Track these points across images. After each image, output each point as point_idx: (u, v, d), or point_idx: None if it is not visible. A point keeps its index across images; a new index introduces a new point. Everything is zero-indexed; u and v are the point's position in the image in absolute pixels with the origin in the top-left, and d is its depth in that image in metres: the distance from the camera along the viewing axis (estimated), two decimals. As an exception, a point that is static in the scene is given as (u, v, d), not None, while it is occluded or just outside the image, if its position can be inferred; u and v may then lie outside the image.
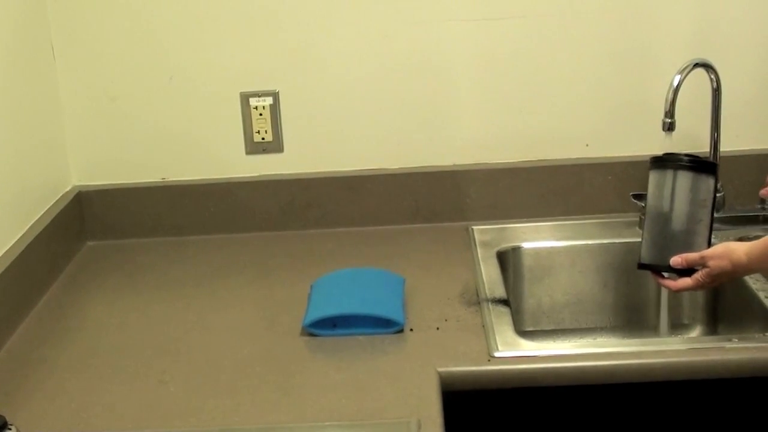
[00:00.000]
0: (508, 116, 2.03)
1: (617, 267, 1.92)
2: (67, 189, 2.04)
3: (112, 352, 1.58)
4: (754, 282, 1.69)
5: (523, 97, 2.02)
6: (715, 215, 1.58)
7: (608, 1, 1.96)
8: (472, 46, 1.99)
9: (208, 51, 1.99)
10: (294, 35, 1.98)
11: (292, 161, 2.05)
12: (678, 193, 1.57)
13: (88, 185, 2.06)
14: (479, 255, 1.87)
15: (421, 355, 1.50)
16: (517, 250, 1.92)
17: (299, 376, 1.46)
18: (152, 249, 2.02)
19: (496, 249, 1.90)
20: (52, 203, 1.95)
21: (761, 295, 1.66)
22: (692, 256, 1.53)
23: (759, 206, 1.95)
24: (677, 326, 1.91)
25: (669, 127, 1.78)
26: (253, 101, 2.02)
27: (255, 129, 2.03)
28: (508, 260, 1.90)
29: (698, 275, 1.52)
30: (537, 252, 1.93)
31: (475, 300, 1.68)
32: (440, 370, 1.45)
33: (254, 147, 2.05)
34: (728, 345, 1.49)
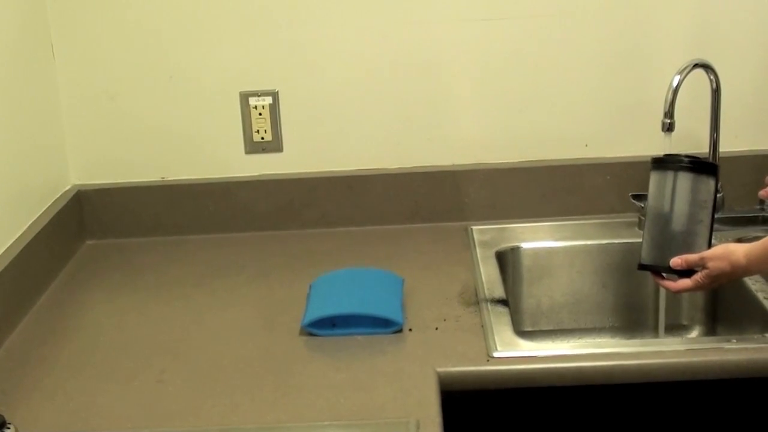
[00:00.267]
0: (508, 116, 2.03)
1: (616, 267, 1.92)
2: (67, 188, 2.04)
3: (110, 351, 1.58)
4: (753, 283, 1.69)
5: (522, 98, 2.02)
6: (715, 216, 1.58)
7: (608, 2, 1.96)
8: (471, 47, 1.99)
9: (207, 50, 1.99)
10: (293, 35, 1.98)
11: (292, 161, 2.05)
12: (678, 194, 1.57)
13: (87, 184, 2.06)
14: (478, 255, 1.87)
15: (420, 355, 1.50)
16: (516, 250, 1.93)
17: (298, 375, 1.46)
18: (151, 248, 2.02)
19: (495, 249, 1.90)
20: (51, 202, 1.95)
21: (760, 296, 1.66)
22: (692, 257, 1.53)
23: (758, 207, 1.95)
24: (676, 327, 1.91)
25: (668, 128, 1.78)
26: (252, 101, 2.02)
27: (254, 128, 2.03)
28: (507, 260, 1.90)
29: (698, 276, 1.52)
30: (536, 252, 1.93)
31: (474, 300, 1.68)
32: (439, 370, 1.45)
33: (254, 146, 2.05)
34: (727, 346, 1.49)
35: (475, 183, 2.04)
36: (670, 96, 1.77)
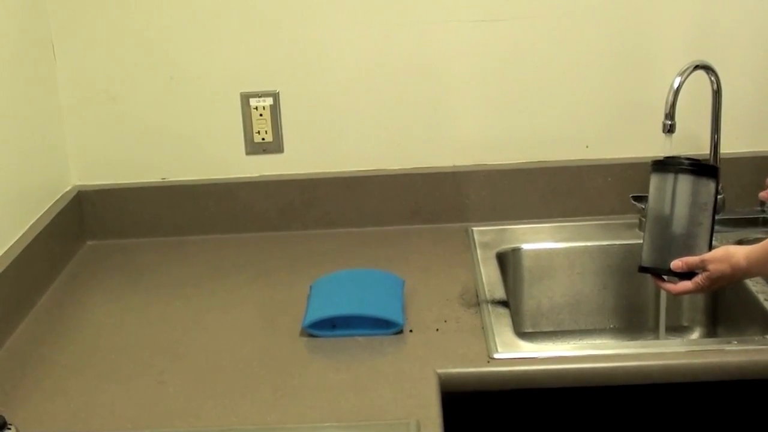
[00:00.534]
0: (508, 117, 2.03)
1: (617, 269, 1.92)
2: (67, 189, 2.04)
3: (111, 351, 1.58)
4: (753, 284, 1.69)
5: (523, 99, 2.02)
6: (715, 217, 1.58)
7: (608, 3, 1.96)
8: (472, 47, 1.99)
9: (208, 51, 1.99)
10: (294, 36, 1.98)
11: (292, 162, 2.05)
12: (679, 197, 1.57)
13: (88, 185, 2.06)
14: (479, 256, 1.87)
15: (420, 357, 1.50)
16: (516, 251, 1.92)
17: (298, 376, 1.46)
18: (152, 249, 2.02)
19: (495, 250, 1.90)
20: (52, 203, 1.95)
21: (761, 297, 1.66)
22: (692, 259, 1.53)
23: (759, 208, 1.95)
24: (677, 328, 1.91)
25: (669, 129, 1.78)
26: (253, 101, 2.02)
27: (255, 129, 2.03)
28: (507, 261, 1.90)
29: (698, 279, 1.52)
30: (536, 253, 1.93)
31: (475, 301, 1.68)
32: (439, 371, 1.45)
33: (254, 147, 2.05)
34: (728, 347, 1.49)
35: (476, 184, 2.04)
36: (670, 97, 1.77)
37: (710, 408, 1.50)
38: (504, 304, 1.66)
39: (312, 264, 1.86)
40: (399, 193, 2.04)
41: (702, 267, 1.51)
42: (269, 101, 2.02)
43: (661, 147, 1.77)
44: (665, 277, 1.58)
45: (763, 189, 1.60)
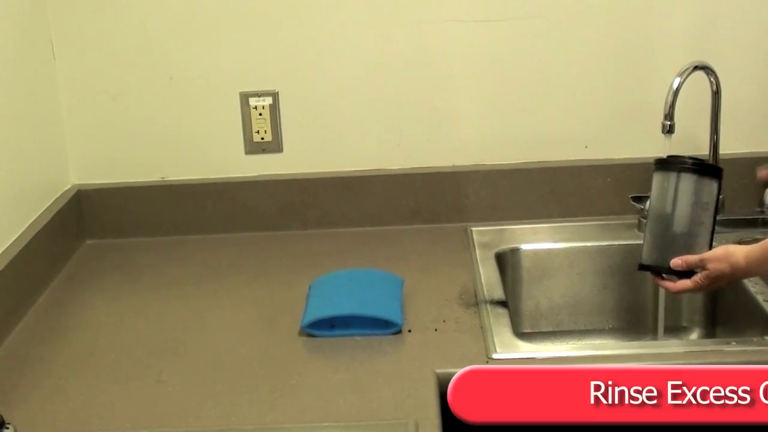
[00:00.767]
0: (508, 117, 2.03)
1: (616, 269, 1.92)
2: (67, 188, 2.04)
3: (110, 351, 1.58)
4: (752, 285, 1.69)
5: (522, 99, 2.02)
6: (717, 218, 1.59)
7: (608, 3, 1.96)
8: (471, 48, 1.99)
9: (208, 51, 1.99)
10: (294, 35, 1.98)
11: (292, 161, 2.05)
12: (680, 196, 1.57)
13: (87, 184, 2.06)
14: (478, 256, 1.87)
15: (419, 357, 1.50)
16: (515, 251, 1.92)
17: (297, 376, 1.46)
18: (151, 248, 2.02)
19: (494, 250, 1.90)
20: (51, 202, 1.95)
21: (760, 298, 1.66)
22: (692, 258, 1.53)
23: (758, 209, 1.95)
24: (676, 329, 1.91)
25: (668, 130, 1.78)
26: (252, 101, 2.02)
27: (254, 129, 2.03)
28: (506, 262, 1.90)
29: (697, 277, 1.52)
30: (536, 253, 1.93)
31: (474, 301, 1.68)
32: (438, 371, 1.44)
33: (253, 147, 2.05)
34: (727, 348, 1.49)
35: (475, 184, 2.04)
36: (670, 98, 1.77)
37: (709, 408, 1.50)
38: (503, 304, 1.66)
39: (311, 264, 1.86)
40: (398, 193, 2.04)
41: (701, 266, 1.51)
42: (268, 101, 2.02)
43: (660, 147, 1.77)
44: (664, 275, 1.58)
45: (762, 188, 1.60)
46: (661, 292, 1.80)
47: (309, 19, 1.98)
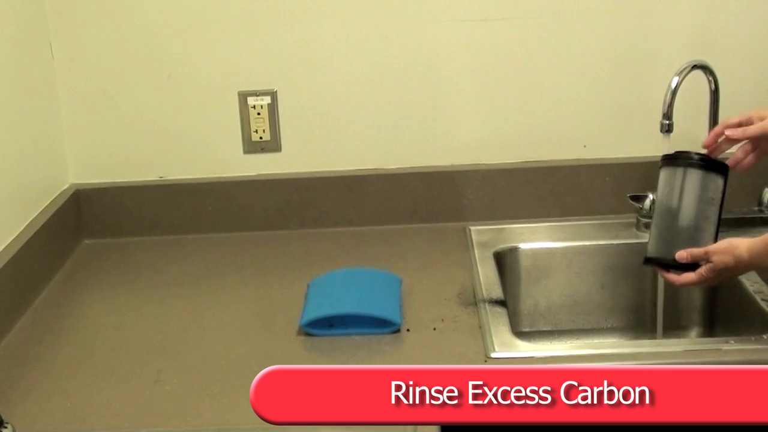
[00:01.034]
0: (506, 117, 2.03)
1: (614, 268, 1.92)
2: (65, 187, 2.04)
3: (108, 350, 1.58)
4: (751, 284, 1.69)
5: (521, 98, 2.02)
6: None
7: (606, 3, 1.96)
8: (470, 47, 1.99)
9: (206, 50, 1.99)
10: (292, 34, 1.98)
11: (290, 161, 2.05)
12: (687, 190, 1.58)
13: (85, 183, 2.06)
14: (476, 255, 1.87)
15: (417, 356, 1.50)
16: (514, 250, 1.92)
17: (296, 375, 1.46)
18: (149, 247, 2.01)
19: (493, 249, 1.90)
20: (49, 201, 1.95)
21: (758, 297, 1.66)
22: (697, 250, 1.54)
23: (756, 208, 1.95)
24: (674, 328, 1.91)
25: (667, 129, 1.79)
26: (251, 100, 2.02)
27: (253, 128, 2.03)
28: (505, 261, 1.90)
29: (702, 270, 1.52)
30: (534, 253, 1.93)
31: (472, 301, 1.68)
32: (437, 370, 1.45)
33: (252, 146, 2.05)
34: (725, 347, 1.49)
35: (474, 183, 2.04)
36: (668, 97, 1.77)
37: (707, 408, 1.50)
38: (501, 303, 1.66)
39: (310, 263, 1.86)
40: (397, 193, 2.04)
41: (706, 258, 1.52)
42: (267, 100, 2.02)
43: (659, 146, 1.77)
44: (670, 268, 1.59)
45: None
46: (660, 291, 1.80)
47: (307, 18, 1.97)
